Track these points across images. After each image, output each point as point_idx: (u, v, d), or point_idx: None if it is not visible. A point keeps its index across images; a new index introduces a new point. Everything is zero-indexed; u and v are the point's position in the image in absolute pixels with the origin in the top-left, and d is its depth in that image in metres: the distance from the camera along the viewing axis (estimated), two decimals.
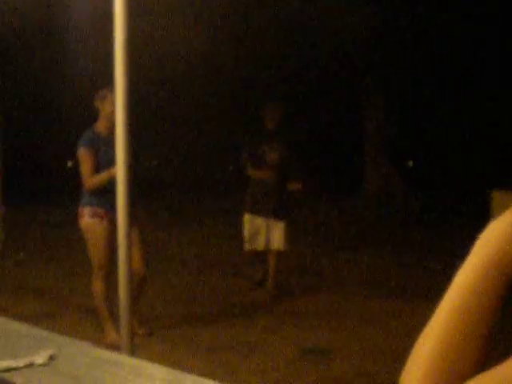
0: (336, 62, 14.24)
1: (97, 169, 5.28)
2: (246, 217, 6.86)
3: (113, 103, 4.84)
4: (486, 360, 0.70)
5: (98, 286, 5.32)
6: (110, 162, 4.96)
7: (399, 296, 6.85)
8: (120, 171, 3.07)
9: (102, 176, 5.21)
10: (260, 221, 6.77)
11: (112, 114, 4.79)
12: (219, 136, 17.84)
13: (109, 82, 3.14)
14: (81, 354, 1.66)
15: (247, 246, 6.92)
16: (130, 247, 3.33)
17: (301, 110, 15.53)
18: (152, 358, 1.61)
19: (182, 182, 19.07)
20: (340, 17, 12.51)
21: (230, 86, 16.14)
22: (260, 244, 6.81)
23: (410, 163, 20.10)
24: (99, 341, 4.92)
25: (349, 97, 15.83)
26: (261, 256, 7.12)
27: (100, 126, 5.37)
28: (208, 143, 19.29)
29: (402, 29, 13.41)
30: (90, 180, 5.26)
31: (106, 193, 5.13)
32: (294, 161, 6.92)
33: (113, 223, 4.87)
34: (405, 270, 8.29)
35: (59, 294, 7.06)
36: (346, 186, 15.40)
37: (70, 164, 17.41)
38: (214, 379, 1.69)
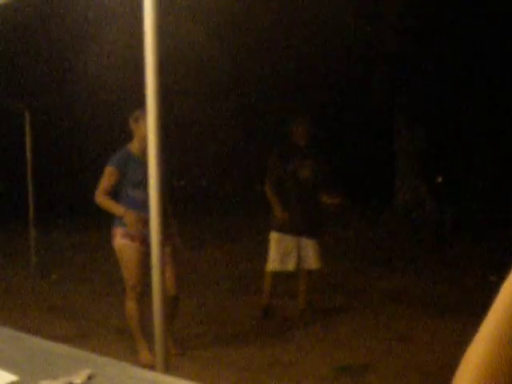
0: (367, 79, 14.24)
1: (126, 187, 5.31)
2: (275, 235, 6.54)
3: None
4: None
5: (130, 306, 5.31)
6: (140, 182, 5.09)
7: (435, 313, 6.75)
8: (153, 192, 3.06)
9: (112, 206, 5.26)
10: (290, 240, 6.47)
11: (146, 136, 4.83)
12: (247, 152, 17.85)
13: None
14: (118, 373, 1.64)
15: (275, 267, 6.52)
16: (163, 267, 3.32)
17: (333, 125, 15.53)
18: (185, 378, 1.59)
19: (212, 200, 19.11)
20: (369, 39, 12.57)
21: (261, 104, 16.15)
22: (291, 265, 6.49)
23: (440, 179, 19.93)
24: (132, 361, 4.90)
25: (381, 113, 15.79)
26: (280, 277, 6.76)
27: (133, 147, 5.37)
28: (236, 160, 19.33)
29: (430, 47, 13.37)
30: (101, 197, 5.26)
31: (134, 213, 5.20)
32: (327, 176, 6.67)
33: (145, 243, 5.04)
34: (439, 287, 8.18)
35: (92, 315, 7.07)
36: (377, 201, 15.31)
37: None
38: None
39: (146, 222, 5.03)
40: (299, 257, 6.51)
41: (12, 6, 3.37)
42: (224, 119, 17.67)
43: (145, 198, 4.93)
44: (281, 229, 6.49)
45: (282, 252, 6.49)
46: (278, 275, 6.66)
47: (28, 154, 9.90)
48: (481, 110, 15.40)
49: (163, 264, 3.11)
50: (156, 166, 2.96)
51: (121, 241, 5.30)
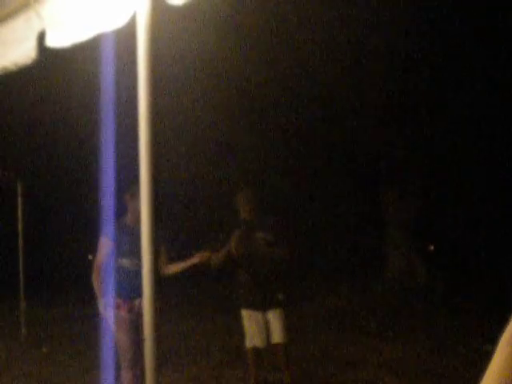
0: (354, 147, 14.39)
1: (117, 257, 5.42)
2: (244, 312, 6.25)
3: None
4: None
5: (125, 376, 5.29)
6: (132, 252, 5.23)
7: (430, 383, 6.68)
8: (146, 260, 3.06)
9: (97, 292, 5.39)
10: (257, 314, 6.17)
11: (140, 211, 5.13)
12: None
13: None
14: None
15: (253, 342, 6.17)
16: (156, 339, 3.29)
17: (320, 191, 15.60)
18: None
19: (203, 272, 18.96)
20: (358, 92, 12.78)
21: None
22: (260, 341, 6.14)
23: (431, 246, 19.96)
24: None
25: (369, 181, 15.91)
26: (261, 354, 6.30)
27: (127, 218, 5.55)
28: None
29: (421, 106, 13.61)
30: (94, 275, 5.43)
31: (122, 282, 5.36)
32: (281, 244, 6.23)
33: (133, 312, 5.30)
34: (433, 357, 8.10)
35: None
36: (368, 269, 15.28)
37: (90, 257, 17.48)
38: None
39: (131, 308, 5.32)
40: (268, 331, 6.18)
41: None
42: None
43: (134, 268, 5.17)
44: (247, 305, 6.25)
45: (254, 327, 6.19)
46: (259, 352, 6.28)
47: (20, 226, 9.90)
48: (471, 176, 15.55)
49: (157, 336, 3.09)
50: (148, 234, 2.97)
51: (110, 310, 5.38)
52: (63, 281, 16.35)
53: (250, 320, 6.23)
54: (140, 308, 5.17)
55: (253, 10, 10.74)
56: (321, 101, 13.20)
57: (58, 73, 10.58)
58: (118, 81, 3.11)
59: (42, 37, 3.22)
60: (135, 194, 5.37)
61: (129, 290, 5.36)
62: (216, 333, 10.44)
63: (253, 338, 6.19)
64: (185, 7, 2.74)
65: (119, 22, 2.87)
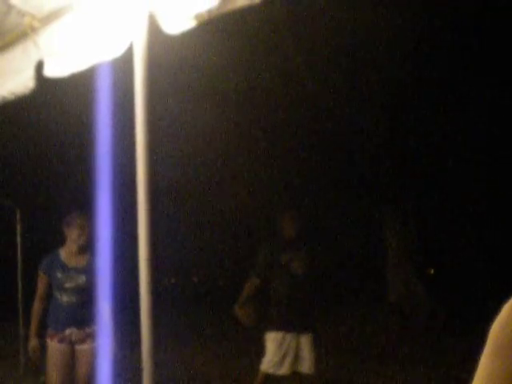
0: (353, 173, 14.40)
1: (53, 291, 5.43)
2: (272, 335, 5.96)
3: (81, 227, 5.37)
4: None
5: None
6: (63, 289, 5.33)
7: None
8: (144, 293, 3.02)
9: (33, 323, 5.42)
10: (289, 339, 5.91)
11: (78, 238, 5.37)
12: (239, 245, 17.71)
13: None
14: None
15: (270, 368, 5.91)
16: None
17: (320, 219, 15.55)
18: None
19: (204, 296, 18.92)
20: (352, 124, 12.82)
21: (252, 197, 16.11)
22: (286, 367, 5.90)
23: (431, 271, 19.94)
24: None
25: (369, 206, 15.89)
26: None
27: (64, 251, 5.50)
28: (230, 253, 19.21)
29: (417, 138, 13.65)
30: (34, 305, 5.50)
31: (55, 313, 5.41)
32: (322, 270, 6.40)
33: (64, 342, 5.35)
34: (436, 382, 8.04)
35: None
36: (369, 294, 15.22)
37: None
38: None
39: (62, 339, 5.33)
40: (296, 358, 5.95)
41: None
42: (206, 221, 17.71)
43: (66, 302, 5.29)
44: (278, 326, 5.96)
45: (281, 354, 5.93)
46: (271, 376, 6.08)
47: (18, 252, 9.86)
48: (470, 199, 15.56)
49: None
50: (146, 262, 2.95)
51: (47, 340, 5.43)
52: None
53: (277, 345, 5.92)
54: (72, 337, 5.35)
55: (251, 37, 10.79)
56: (318, 125, 13.24)
57: (55, 101, 10.63)
58: (115, 109, 3.11)
59: (39, 67, 3.24)
60: (72, 223, 5.44)
61: (61, 320, 5.40)
62: (217, 360, 10.36)
63: (273, 365, 5.93)
64: (182, 36, 2.75)
65: (116, 52, 2.88)
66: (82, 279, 5.37)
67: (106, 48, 2.91)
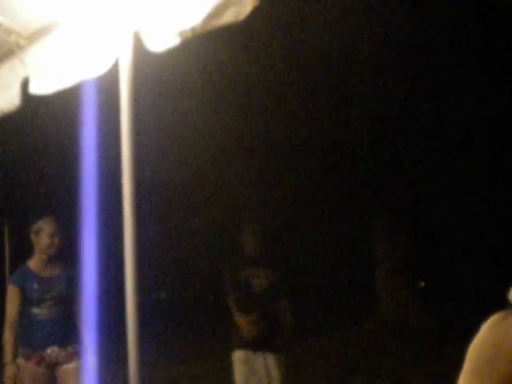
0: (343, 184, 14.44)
1: (26, 306, 4.96)
2: (237, 355, 5.62)
3: (49, 235, 5.00)
4: None
5: None
6: (40, 300, 4.90)
7: None
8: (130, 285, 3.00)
9: (6, 345, 4.88)
10: (255, 358, 5.59)
11: (48, 247, 5.02)
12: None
13: None
14: None
15: None
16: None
17: (308, 233, 15.59)
18: None
19: (192, 312, 18.85)
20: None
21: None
22: None
23: (422, 284, 19.93)
24: None
25: (358, 218, 15.93)
26: None
27: (33, 262, 5.10)
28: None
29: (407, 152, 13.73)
30: (6, 327, 4.92)
31: (33, 331, 4.94)
32: (282, 287, 5.92)
33: (43, 364, 4.88)
34: None
35: None
36: (360, 307, 15.23)
37: None
38: None
39: (40, 360, 4.83)
40: (267, 378, 5.59)
41: None
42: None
43: (46, 316, 4.90)
44: (242, 345, 5.61)
45: (248, 375, 5.58)
46: None
47: (7, 268, 9.80)
48: (460, 210, 15.60)
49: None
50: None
51: (20, 362, 4.88)
52: None
53: (244, 365, 5.59)
54: (53, 357, 4.92)
55: (237, 52, 10.84)
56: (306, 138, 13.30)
57: (41, 117, 10.62)
58: (101, 125, 3.14)
59: (25, 84, 3.25)
60: (41, 230, 5.06)
61: (40, 338, 4.91)
62: (206, 378, 10.32)
63: None
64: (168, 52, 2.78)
65: (102, 69, 2.91)
66: (60, 287, 5.01)
67: (92, 65, 2.93)
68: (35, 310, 4.93)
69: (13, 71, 3.35)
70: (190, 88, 11.34)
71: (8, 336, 4.90)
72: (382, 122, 13.59)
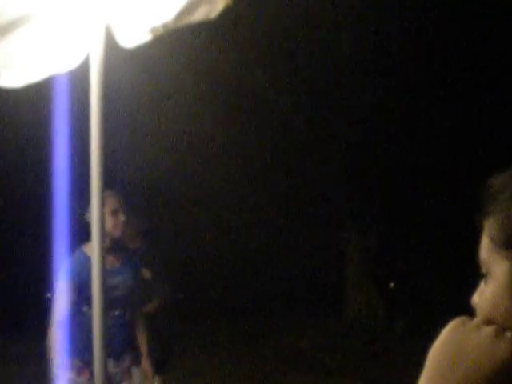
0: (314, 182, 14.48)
1: (79, 305, 4.03)
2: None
3: (112, 212, 4.01)
4: None
5: None
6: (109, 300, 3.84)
7: None
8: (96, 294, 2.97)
9: (54, 349, 3.96)
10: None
11: (113, 228, 4.03)
12: None
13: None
14: None
15: None
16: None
17: (274, 229, 15.60)
18: None
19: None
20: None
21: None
22: None
23: (391, 284, 20.05)
24: None
25: (327, 219, 15.97)
26: None
27: (90, 249, 3.89)
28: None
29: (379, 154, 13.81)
30: (55, 330, 3.99)
31: (87, 338, 3.75)
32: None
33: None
34: None
35: None
36: (328, 308, 15.27)
37: (49, 295, 16.99)
38: None
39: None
40: None
41: None
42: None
43: (116, 319, 3.96)
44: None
45: None
46: None
47: None
48: (433, 213, 15.72)
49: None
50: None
51: (64, 375, 4.02)
52: (18, 322, 15.98)
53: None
54: (112, 372, 4.00)
55: (211, 46, 10.82)
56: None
57: (10, 111, 10.50)
58: (71, 120, 3.11)
59: None
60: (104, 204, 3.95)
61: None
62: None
63: None
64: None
65: (72, 64, 2.88)
66: (125, 282, 4.07)
67: (62, 59, 2.90)
68: (90, 312, 3.93)
69: None
70: (164, 83, 11.29)
71: (53, 335, 3.99)
72: (355, 124, 13.67)
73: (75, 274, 3.97)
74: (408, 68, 12.10)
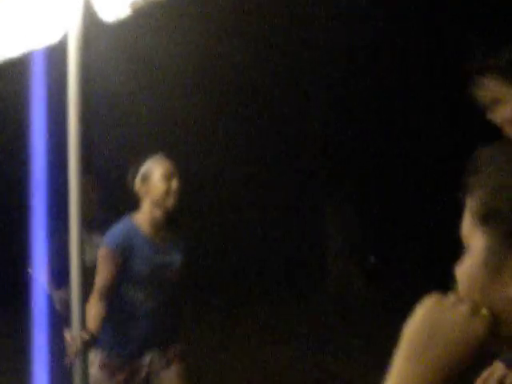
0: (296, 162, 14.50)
1: (122, 284, 3.48)
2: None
3: (164, 179, 3.48)
4: None
5: None
6: (152, 280, 3.49)
7: None
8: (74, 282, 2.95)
9: (92, 317, 3.20)
10: None
11: (165, 196, 3.47)
12: None
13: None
14: None
15: None
16: None
17: (257, 203, 15.61)
18: None
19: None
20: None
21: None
22: None
23: (372, 258, 20.14)
24: None
25: (308, 193, 15.99)
26: None
27: (141, 219, 3.52)
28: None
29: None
30: (95, 300, 3.35)
31: (126, 328, 3.51)
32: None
33: (136, 377, 3.52)
34: (373, 371, 8.16)
35: None
36: (308, 282, 15.32)
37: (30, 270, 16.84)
38: None
39: (134, 372, 3.49)
40: None
41: None
42: None
43: (151, 305, 3.50)
44: None
45: None
46: None
47: None
48: (414, 187, 15.80)
49: None
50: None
51: (95, 373, 3.41)
52: None
53: None
54: (150, 367, 3.56)
55: (193, 24, 10.71)
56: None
57: None
58: (50, 98, 3.07)
59: None
60: (151, 174, 3.52)
61: (139, 339, 3.51)
62: None
63: None
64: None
65: (51, 39, 2.84)
66: (174, 261, 3.57)
67: (40, 35, 2.86)
68: (139, 295, 3.46)
69: None
70: (145, 61, 11.18)
71: (94, 304, 3.31)
72: (336, 112, 13.71)
73: (125, 242, 3.45)
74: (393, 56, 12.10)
